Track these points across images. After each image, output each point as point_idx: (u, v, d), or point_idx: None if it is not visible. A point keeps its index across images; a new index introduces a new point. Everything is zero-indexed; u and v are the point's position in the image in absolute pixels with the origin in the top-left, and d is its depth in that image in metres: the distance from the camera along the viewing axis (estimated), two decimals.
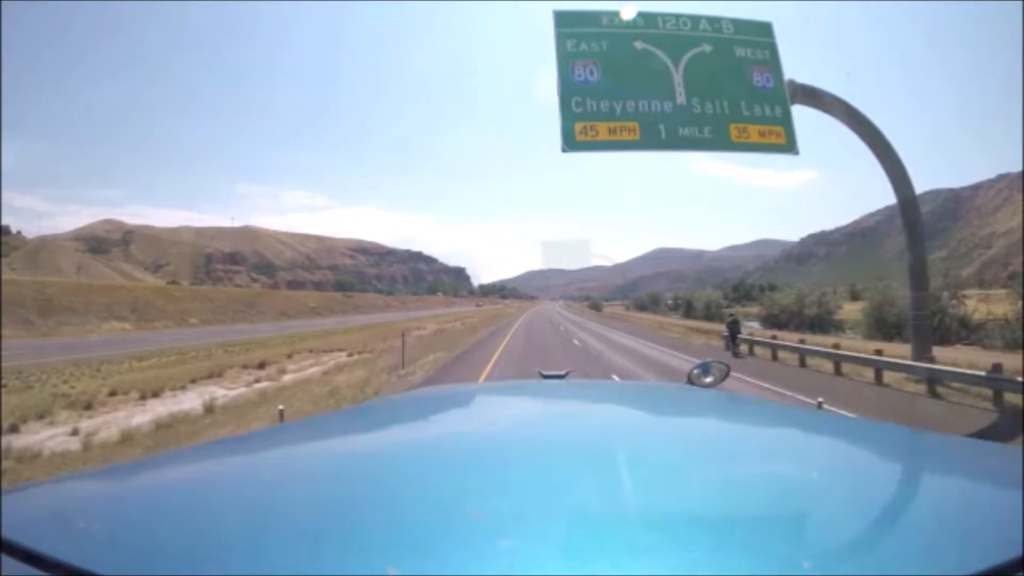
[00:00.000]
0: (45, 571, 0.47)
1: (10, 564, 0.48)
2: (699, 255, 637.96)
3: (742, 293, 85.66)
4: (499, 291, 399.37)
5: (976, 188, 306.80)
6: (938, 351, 12.96)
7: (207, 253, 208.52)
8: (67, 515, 0.63)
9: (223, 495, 0.70)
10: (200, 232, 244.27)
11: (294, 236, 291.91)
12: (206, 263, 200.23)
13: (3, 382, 12.39)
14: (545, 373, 1.98)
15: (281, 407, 2.32)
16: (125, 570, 0.47)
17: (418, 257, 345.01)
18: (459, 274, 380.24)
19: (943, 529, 0.55)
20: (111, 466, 1.05)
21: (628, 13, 10.78)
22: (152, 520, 0.61)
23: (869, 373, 12.00)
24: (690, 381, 1.90)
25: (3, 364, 14.48)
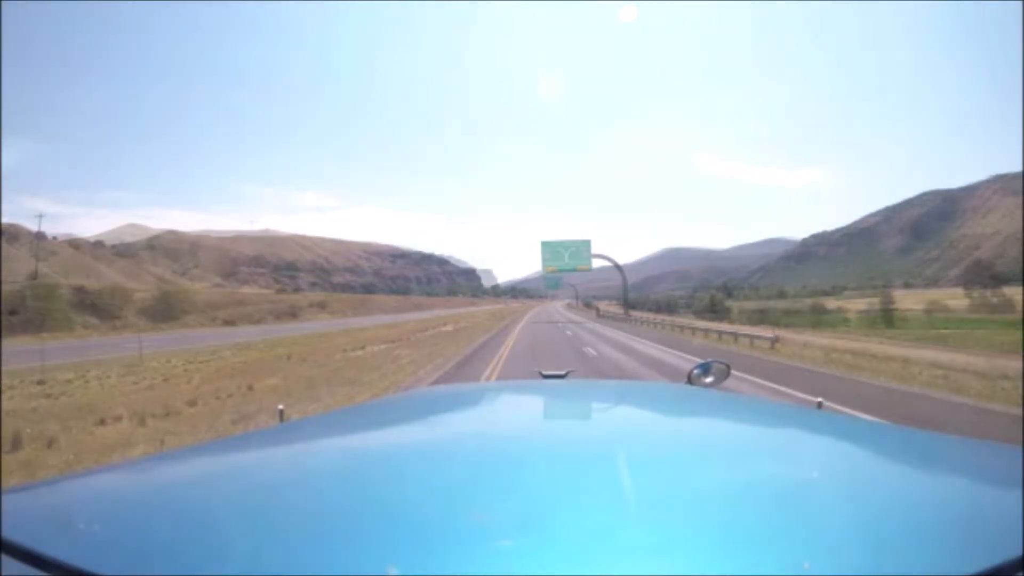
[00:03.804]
0: (45, 571, 0.47)
1: (10, 564, 0.48)
2: (708, 255, 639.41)
3: (726, 293, 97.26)
4: (511, 292, 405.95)
5: (971, 189, 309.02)
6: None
7: (232, 257, 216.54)
8: (67, 515, 0.63)
9: (223, 495, 0.70)
10: (222, 236, 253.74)
11: (311, 239, 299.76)
12: (232, 266, 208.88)
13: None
14: (545, 373, 2.01)
15: (281, 407, 2.47)
16: (125, 570, 0.47)
17: (431, 259, 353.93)
18: (471, 275, 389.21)
19: (943, 529, 0.55)
20: (111, 466, 1.11)
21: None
22: (152, 520, 0.61)
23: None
24: (690, 381, 1.92)
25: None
